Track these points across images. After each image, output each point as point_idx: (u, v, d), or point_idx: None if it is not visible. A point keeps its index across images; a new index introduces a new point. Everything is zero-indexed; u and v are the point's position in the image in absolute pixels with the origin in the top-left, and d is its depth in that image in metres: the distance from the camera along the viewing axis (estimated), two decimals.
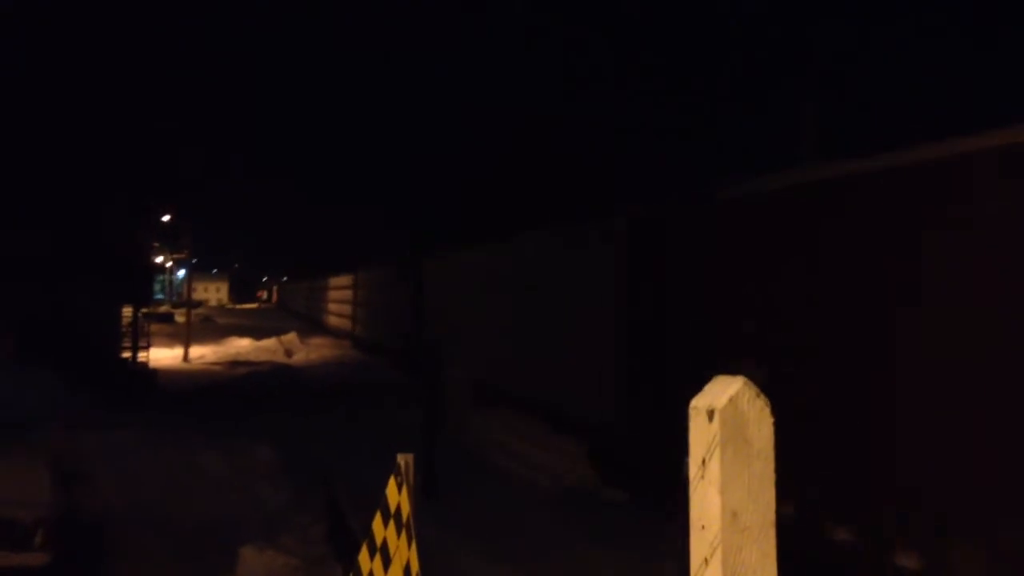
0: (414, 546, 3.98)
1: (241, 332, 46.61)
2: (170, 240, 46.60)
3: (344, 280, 46.95)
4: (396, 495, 4.07)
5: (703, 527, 3.41)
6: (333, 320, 51.18)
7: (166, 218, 39.05)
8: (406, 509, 4.05)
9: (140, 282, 27.43)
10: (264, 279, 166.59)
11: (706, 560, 3.45)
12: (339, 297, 49.12)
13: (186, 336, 36.19)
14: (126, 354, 26.75)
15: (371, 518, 4.15)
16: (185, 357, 34.33)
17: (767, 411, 3.50)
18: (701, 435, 3.41)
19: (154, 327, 38.24)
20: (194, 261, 53.09)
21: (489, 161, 33.75)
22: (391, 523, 4.06)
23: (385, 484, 4.11)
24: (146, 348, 28.95)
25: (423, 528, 4.46)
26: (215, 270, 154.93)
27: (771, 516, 3.51)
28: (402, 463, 4.10)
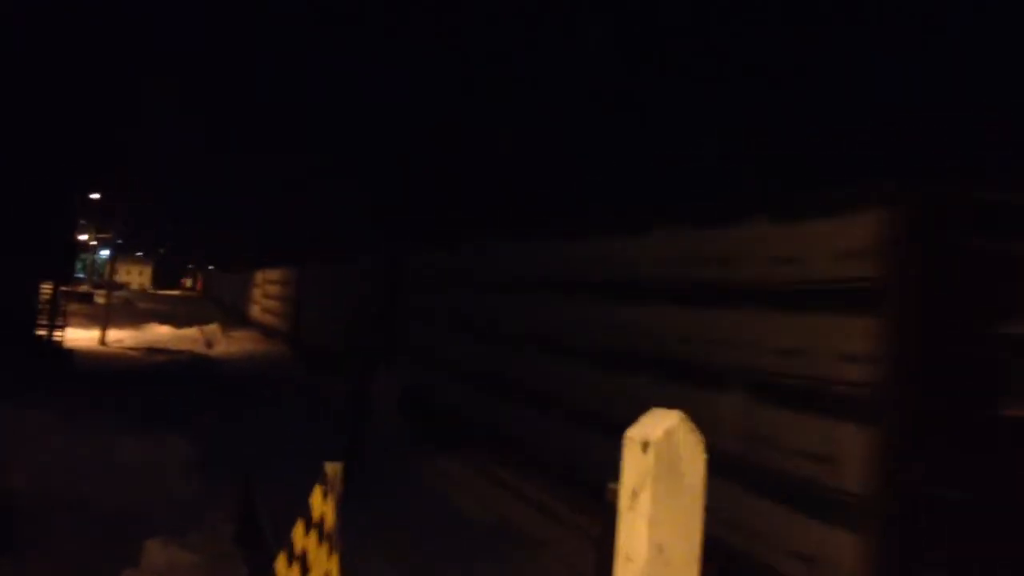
0: (336, 558, 3.84)
1: (162, 319, 45.50)
2: (99, 218, 45.37)
3: (272, 275, 46.45)
4: (321, 504, 3.95)
5: (629, 559, 3.42)
6: (257, 313, 50.51)
7: (95, 196, 38.05)
8: (330, 519, 3.88)
9: (62, 259, 26.67)
10: (190, 266, 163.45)
11: None
12: (262, 292, 48.55)
13: (105, 318, 35.29)
14: (41, 332, 26.00)
15: (283, 518, 4.03)
16: (102, 340, 33.42)
17: (701, 447, 3.53)
18: (634, 466, 3.42)
19: (72, 306, 37.18)
20: (119, 242, 51.83)
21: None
22: (313, 532, 3.95)
23: (299, 480, 3.97)
24: (62, 327, 28.15)
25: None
26: (140, 253, 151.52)
27: (696, 551, 3.54)
28: (330, 472, 3.93)
